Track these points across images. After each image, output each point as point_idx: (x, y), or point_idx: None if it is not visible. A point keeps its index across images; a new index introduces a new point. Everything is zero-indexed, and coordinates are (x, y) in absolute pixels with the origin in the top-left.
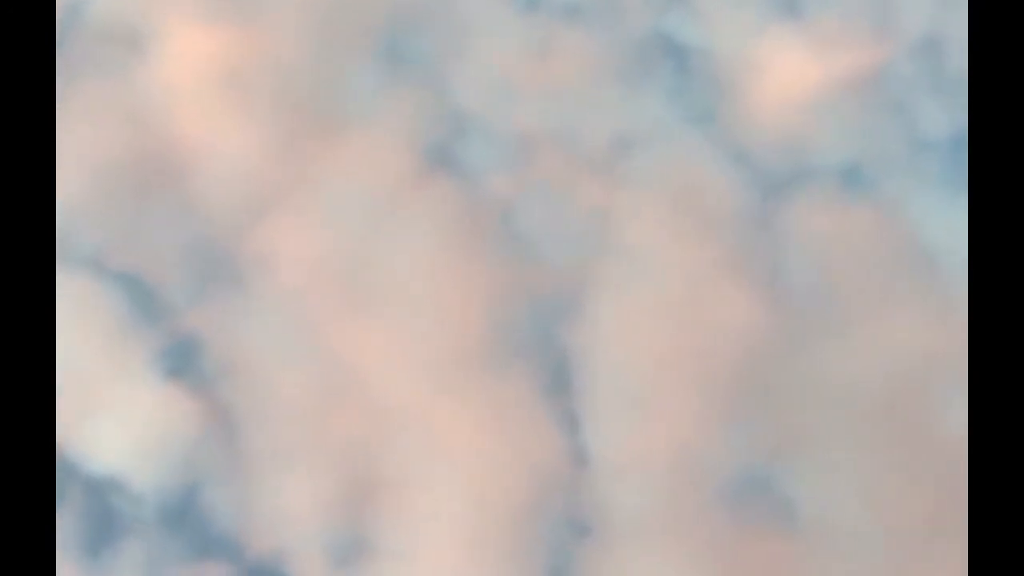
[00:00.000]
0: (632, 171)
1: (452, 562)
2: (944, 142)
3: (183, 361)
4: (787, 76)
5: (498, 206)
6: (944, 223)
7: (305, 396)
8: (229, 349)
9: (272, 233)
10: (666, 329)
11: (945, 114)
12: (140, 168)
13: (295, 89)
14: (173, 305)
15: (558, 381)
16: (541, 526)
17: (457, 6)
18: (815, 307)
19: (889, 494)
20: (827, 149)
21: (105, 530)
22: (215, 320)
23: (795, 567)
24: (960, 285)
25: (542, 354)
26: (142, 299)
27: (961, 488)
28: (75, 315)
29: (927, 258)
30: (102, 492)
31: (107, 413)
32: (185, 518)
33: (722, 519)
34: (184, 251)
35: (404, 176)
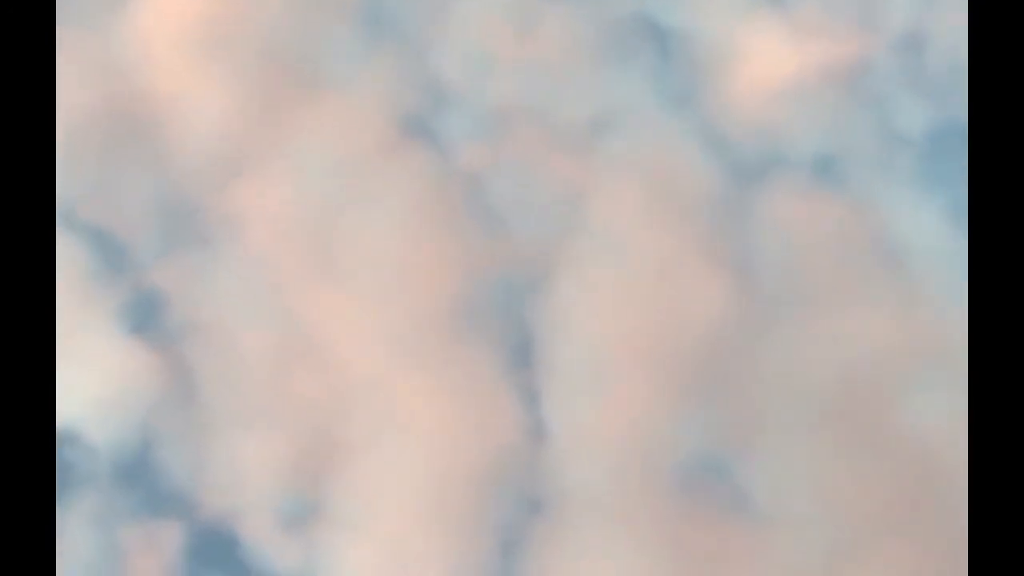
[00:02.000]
0: (607, 151)
1: (404, 531)
2: (919, 139)
3: (147, 317)
4: (767, 64)
5: (471, 179)
6: (914, 220)
7: (266, 358)
8: (193, 307)
9: (243, 193)
10: (631, 311)
11: (922, 111)
12: (114, 121)
13: (274, 50)
14: (140, 260)
15: (520, 356)
16: (495, 499)
17: None
18: (781, 296)
19: (844, 487)
20: (803, 139)
21: (58, 482)
22: (181, 277)
23: (746, 553)
24: (926, 282)
25: (506, 328)
26: (109, 253)
27: (915, 482)
28: None
29: (895, 254)
30: (57, 443)
31: (67, 365)
32: (139, 474)
33: (676, 502)
34: (154, 206)
35: (378, 143)
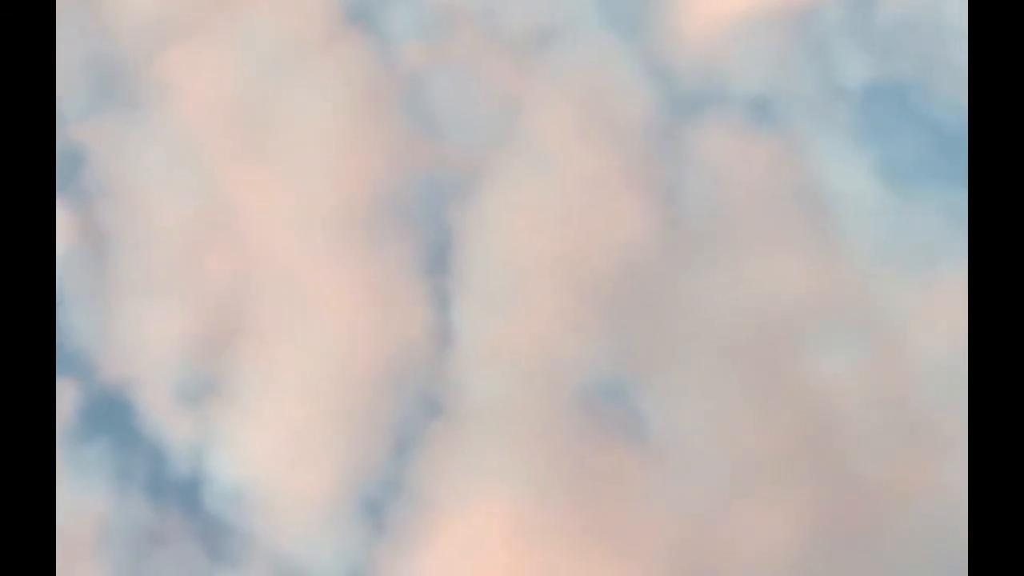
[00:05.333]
0: (548, 65)
1: (300, 418)
2: (858, 92)
3: (65, 173)
4: None
5: (409, 76)
6: (844, 172)
7: (182, 230)
8: (114, 169)
9: (179, 62)
10: (554, 228)
11: (864, 64)
12: None
13: None
14: (65, 115)
15: (437, 259)
16: (395, 398)
17: None
18: (703, 231)
19: (740, 425)
20: (744, 78)
21: None
22: (105, 138)
23: (636, 477)
24: (847, 234)
25: (426, 230)
26: None
27: (808, 429)
28: None
29: (820, 203)
30: None
31: None
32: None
33: (574, 420)
34: (85, 63)
35: (320, 28)
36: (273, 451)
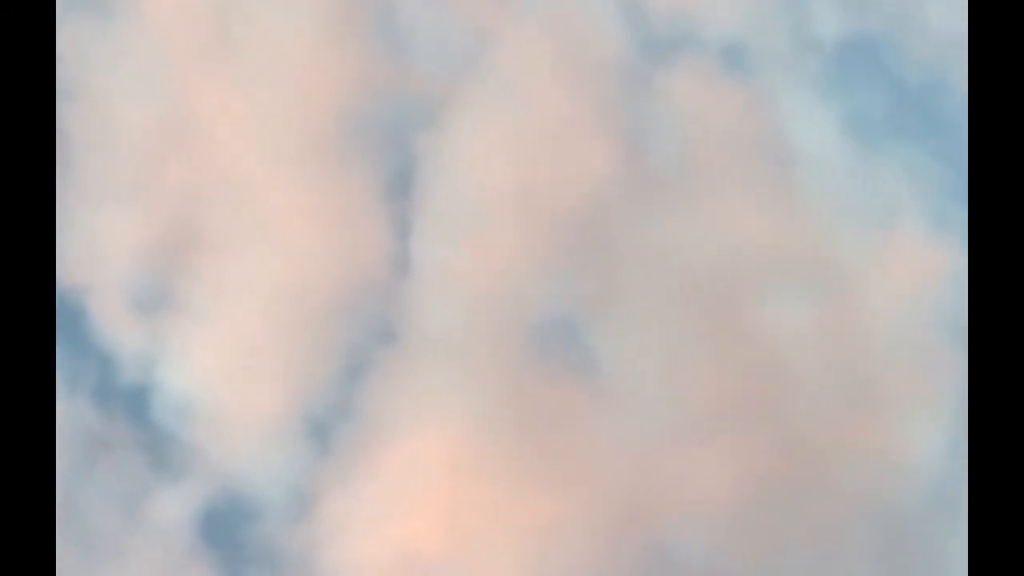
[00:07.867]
0: None
1: (252, 336)
2: (832, 45)
3: None
4: None
5: None
6: (811, 126)
7: (144, 137)
8: (77, 73)
9: None
10: (519, 161)
11: (839, 19)
12: None
13: None
14: None
15: (399, 186)
16: (349, 322)
17: None
18: (666, 176)
19: (692, 371)
20: (718, 24)
21: None
22: (69, 38)
23: (584, 414)
24: (810, 189)
25: (390, 155)
26: None
27: (758, 380)
28: None
29: (788, 156)
30: None
31: None
32: None
33: (526, 356)
34: None
35: None
36: (223, 366)
